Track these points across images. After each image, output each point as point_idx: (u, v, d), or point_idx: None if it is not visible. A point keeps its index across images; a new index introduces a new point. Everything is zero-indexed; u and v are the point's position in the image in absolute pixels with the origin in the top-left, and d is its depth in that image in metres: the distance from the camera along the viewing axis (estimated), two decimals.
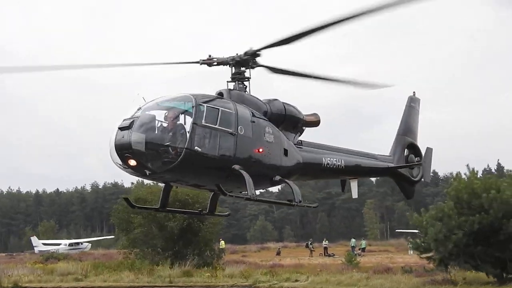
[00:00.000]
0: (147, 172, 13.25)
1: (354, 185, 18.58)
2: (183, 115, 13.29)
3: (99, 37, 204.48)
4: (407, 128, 20.02)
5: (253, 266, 37.87)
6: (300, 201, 14.68)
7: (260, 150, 14.41)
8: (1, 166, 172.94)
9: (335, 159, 17.16)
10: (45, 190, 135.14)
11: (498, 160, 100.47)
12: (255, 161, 14.35)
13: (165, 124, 13.21)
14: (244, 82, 15.35)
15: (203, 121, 13.26)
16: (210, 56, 15.18)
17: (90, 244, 65.83)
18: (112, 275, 33.86)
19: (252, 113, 14.59)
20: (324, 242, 57.14)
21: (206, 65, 15.44)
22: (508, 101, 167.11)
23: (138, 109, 13.02)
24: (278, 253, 56.39)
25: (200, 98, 13.66)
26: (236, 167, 13.52)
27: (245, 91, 15.39)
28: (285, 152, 15.32)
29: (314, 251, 54.84)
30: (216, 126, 13.58)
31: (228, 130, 13.83)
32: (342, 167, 17.12)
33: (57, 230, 78.64)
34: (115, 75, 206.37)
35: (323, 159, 16.76)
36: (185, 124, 13.08)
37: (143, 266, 33.52)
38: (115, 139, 12.69)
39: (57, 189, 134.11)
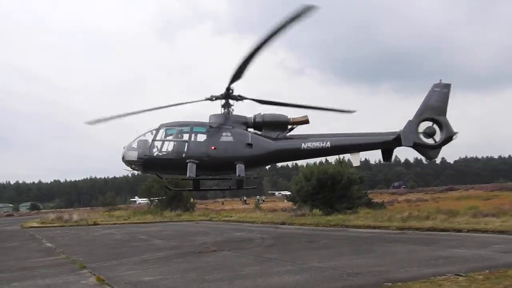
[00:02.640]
0: (141, 171, 19.53)
1: (352, 157, 21.01)
2: (148, 137, 18.67)
3: None
4: (426, 108, 20.99)
5: (211, 210, 58.03)
6: (239, 175, 18.60)
7: (213, 148, 18.48)
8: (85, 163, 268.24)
9: (317, 143, 19.69)
10: (109, 176, 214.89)
11: None
12: (210, 155, 18.42)
13: (137, 145, 18.62)
14: (231, 108, 19.92)
15: (162, 137, 18.50)
16: (211, 95, 19.69)
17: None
18: (141, 216, 50.99)
19: (210, 125, 18.99)
20: (244, 197, 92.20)
21: (209, 101, 19.65)
22: None
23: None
24: (223, 203, 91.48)
25: (165, 125, 18.75)
26: (189, 161, 18.09)
27: (229, 113, 19.78)
28: (249, 145, 18.86)
29: (245, 202, 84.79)
30: (171, 139, 18.56)
31: (182, 139, 18.53)
32: (328, 146, 19.79)
33: (115, 196, 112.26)
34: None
35: (302, 144, 19.60)
36: (149, 142, 18.56)
37: (157, 212, 52.61)
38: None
39: (114, 176, 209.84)
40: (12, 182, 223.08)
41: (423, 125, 20.99)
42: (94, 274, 13.62)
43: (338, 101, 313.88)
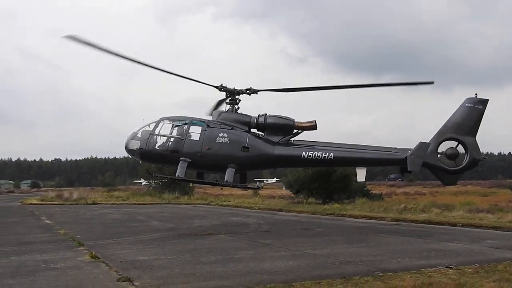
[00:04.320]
0: (140, 161, 20.05)
1: (359, 172, 18.79)
2: (149, 129, 18.56)
3: None
4: (452, 125, 18.46)
5: (209, 195, 57.60)
6: (227, 181, 17.99)
7: (207, 148, 17.91)
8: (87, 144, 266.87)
9: (320, 153, 18.38)
10: (109, 157, 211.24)
11: None
12: (203, 155, 17.89)
13: (139, 136, 18.64)
14: (236, 105, 19.30)
15: (160, 132, 18.36)
16: (221, 84, 18.95)
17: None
18: (140, 198, 52.09)
19: (208, 125, 18.35)
20: None
21: (217, 89, 18.98)
22: None
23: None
24: (221, 188, 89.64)
25: (165, 119, 18.52)
26: (182, 159, 17.87)
27: (235, 110, 19.14)
28: (244, 149, 18.08)
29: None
30: (168, 134, 18.35)
31: (178, 136, 18.15)
32: (331, 158, 18.36)
33: (114, 177, 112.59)
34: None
35: (303, 153, 18.39)
36: (149, 133, 18.42)
37: (156, 194, 53.93)
38: None
39: (115, 157, 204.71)
40: (13, 159, 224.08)
41: (445, 145, 18.58)
42: (91, 252, 13.87)
43: (339, 91, 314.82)
